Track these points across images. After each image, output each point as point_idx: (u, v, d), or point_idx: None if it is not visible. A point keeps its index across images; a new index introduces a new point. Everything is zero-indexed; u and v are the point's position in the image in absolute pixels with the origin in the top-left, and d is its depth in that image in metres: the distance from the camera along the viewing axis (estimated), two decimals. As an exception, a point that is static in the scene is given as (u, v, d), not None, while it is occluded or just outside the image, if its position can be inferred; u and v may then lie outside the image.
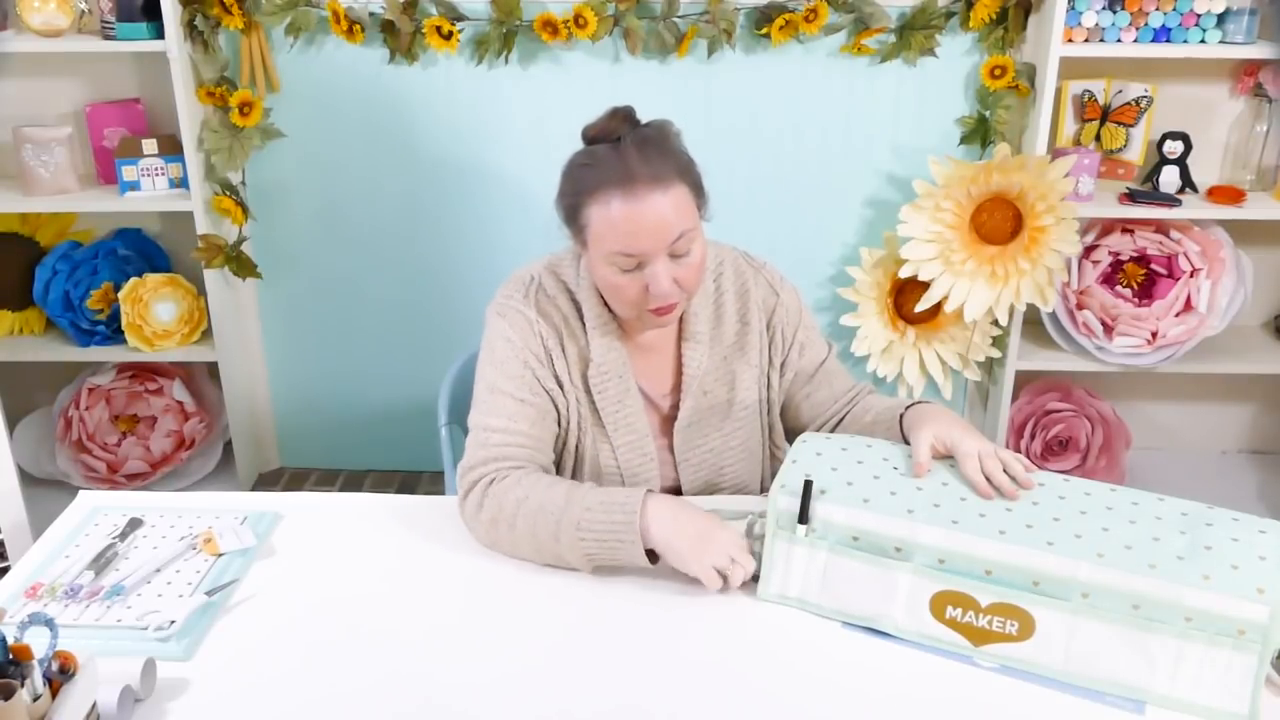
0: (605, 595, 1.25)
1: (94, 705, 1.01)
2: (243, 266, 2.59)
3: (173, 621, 1.18)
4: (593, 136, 1.35)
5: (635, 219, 1.28)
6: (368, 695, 1.10)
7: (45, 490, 2.62)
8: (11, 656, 0.96)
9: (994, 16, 2.41)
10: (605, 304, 1.42)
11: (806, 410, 1.54)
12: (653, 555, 1.25)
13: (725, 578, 1.22)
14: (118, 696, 1.03)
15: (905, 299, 2.62)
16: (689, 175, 1.34)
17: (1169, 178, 2.51)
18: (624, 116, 1.34)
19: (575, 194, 1.34)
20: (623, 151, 1.30)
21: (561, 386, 1.42)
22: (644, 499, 1.25)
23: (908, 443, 1.33)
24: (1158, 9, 2.34)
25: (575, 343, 1.43)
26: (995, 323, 2.60)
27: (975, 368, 2.65)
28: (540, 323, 1.41)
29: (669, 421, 1.48)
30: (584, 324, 1.43)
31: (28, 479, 2.63)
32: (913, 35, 2.45)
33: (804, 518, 1.20)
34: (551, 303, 1.43)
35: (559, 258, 1.48)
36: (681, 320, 1.46)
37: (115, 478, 2.68)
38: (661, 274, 1.30)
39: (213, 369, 2.70)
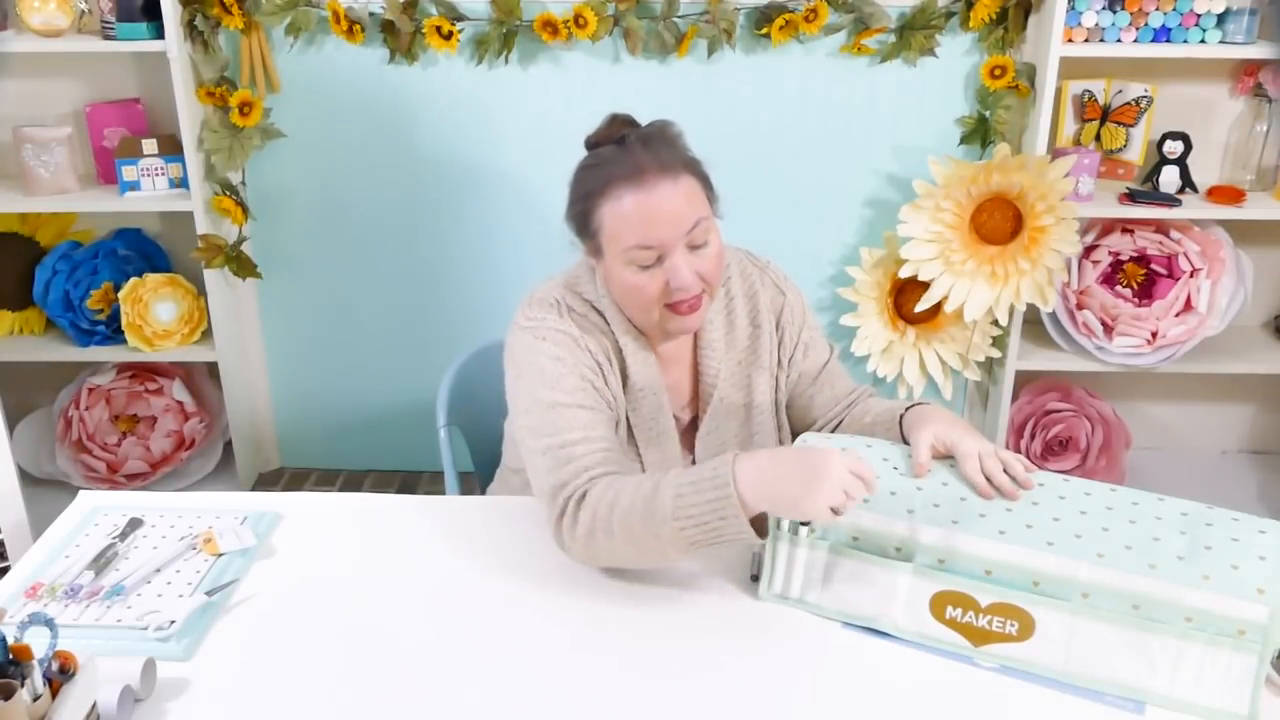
0: (606, 594, 1.25)
1: (94, 705, 1.01)
2: (243, 266, 2.59)
3: (173, 621, 1.18)
4: (595, 141, 1.34)
5: (648, 209, 1.27)
6: (368, 695, 1.10)
7: (45, 490, 2.62)
8: (11, 656, 0.96)
9: (994, 16, 2.41)
10: (632, 323, 1.39)
11: (809, 412, 1.53)
12: (756, 526, 1.18)
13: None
14: (118, 696, 1.03)
15: (905, 299, 2.62)
16: (696, 169, 1.34)
17: (1169, 178, 2.51)
18: (624, 120, 1.34)
19: (585, 197, 1.32)
20: (628, 148, 1.30)
21: (615, 397, 1.38)
22: (733, 465, 1.17)
23: (907, 443, 1.33)
24: (1158, 9, 2.34)
25: (617, 358, 1.39)
26: (995, 323, 2.60)
27: (975, 368, 2.65)
28: (585, 338, 1.36)
29: (689, 433, 1.47)
30: (617, 341, 1.39)
31: (28, 479, 2.63)
32: (913, 35, 2.45)
33: (804, 518, 1.20)
34: (586, 320, 1.39)
35: (573, 277, 1.43)
36: (697, 330, 1.45)
37: (115, 478, 2.68)
38: (682, 266, 1.29)
39: (213, 369, 2.70)
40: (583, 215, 1.33)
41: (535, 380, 1.33)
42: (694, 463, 1.46)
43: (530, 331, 1.36)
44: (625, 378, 1.39)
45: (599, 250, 1.33)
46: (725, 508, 1.16)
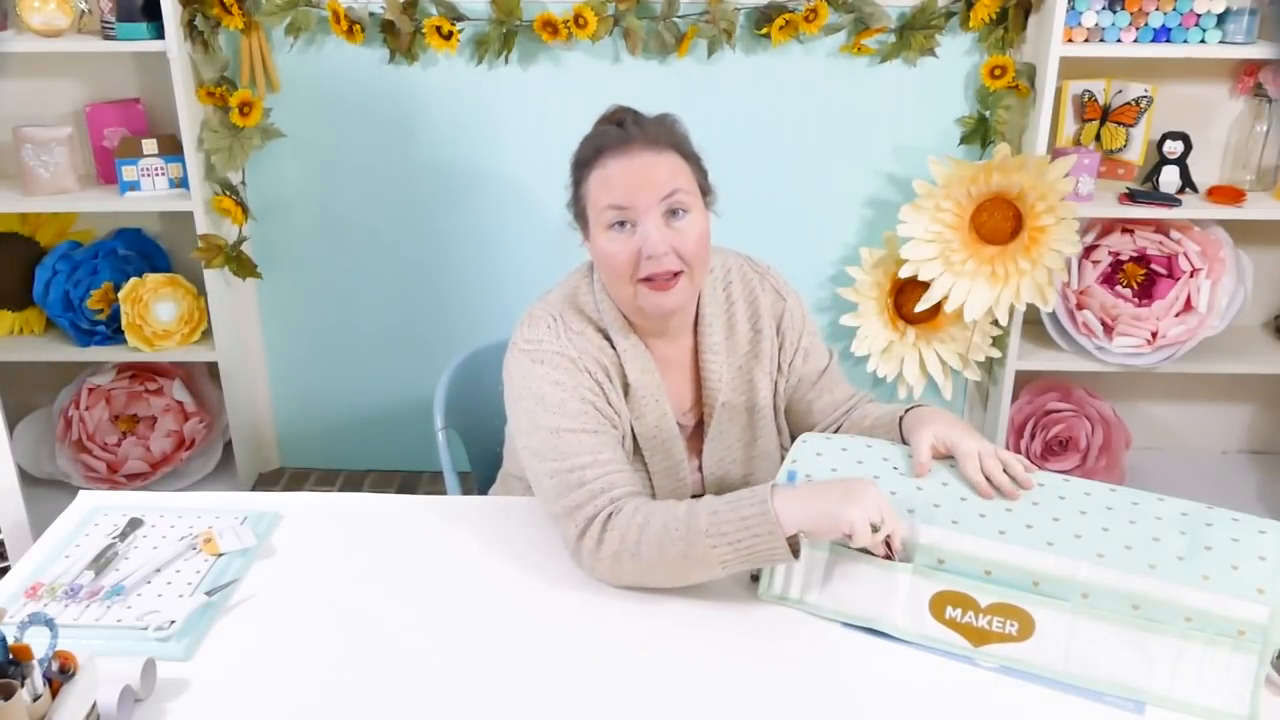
0: (606, 594, 1.25)
1: (94, 705, 1.01)
2: (243, 266, 2.59)
3: (173, 621, 1.18)
4: (599, 123, 1.38)
5: (627, 172, 1.30)
6: (367, 695, 1.10)
7: (45, 490, 2.62)
8: (11, 656, 0.96)
9: (994, 16, 2.41)
10: (631, 326, 1.39)
11: (808, 417, 1.53)
12: (792, 549, 1.17)
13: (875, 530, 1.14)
14: (118, 696, 1.03)
15: (905, 299, 2.62)
16: (686, 150, 1.36)
17: (1169, 178, 2.51)
18: (627, 109, 1.38)
19: (580, 168, 1.35)
20: (625, 126, 1.34)
21: (618, 415, 1.38)
22: (770, 487, 1.19)
23: (908, 445, 1.33)
24: (1158, 9, 2.34)
25: (618, 372, 1.39)
26: (995, 323, 2.60)
27: (975, 368, 2.65)
28: (583, 359, 1.36)
29: (694, 440, 1.47)
30: (617, 351, 1.39)
31: (28, 479, 2.63)
32: (913, 35, 2.45)
33: (804, 518, 1.20)
34: (583, 337, 1.38)
35: (572, 287, 1.43)
36: (697, 334, 1.45)
37: (115, 478, 2.67)
38: (653, 231, 1.29)
39: (213, 369, 2.70)
40: (575, 186, 1.37)
41: (535, 405, 1.33)
42: (700, 469, 1.47)
43: (528, 355, 1.36)
44: (627, 388, 1.39)
45: (587, 225, 1.36)
46: (760, 523, 1.16)
